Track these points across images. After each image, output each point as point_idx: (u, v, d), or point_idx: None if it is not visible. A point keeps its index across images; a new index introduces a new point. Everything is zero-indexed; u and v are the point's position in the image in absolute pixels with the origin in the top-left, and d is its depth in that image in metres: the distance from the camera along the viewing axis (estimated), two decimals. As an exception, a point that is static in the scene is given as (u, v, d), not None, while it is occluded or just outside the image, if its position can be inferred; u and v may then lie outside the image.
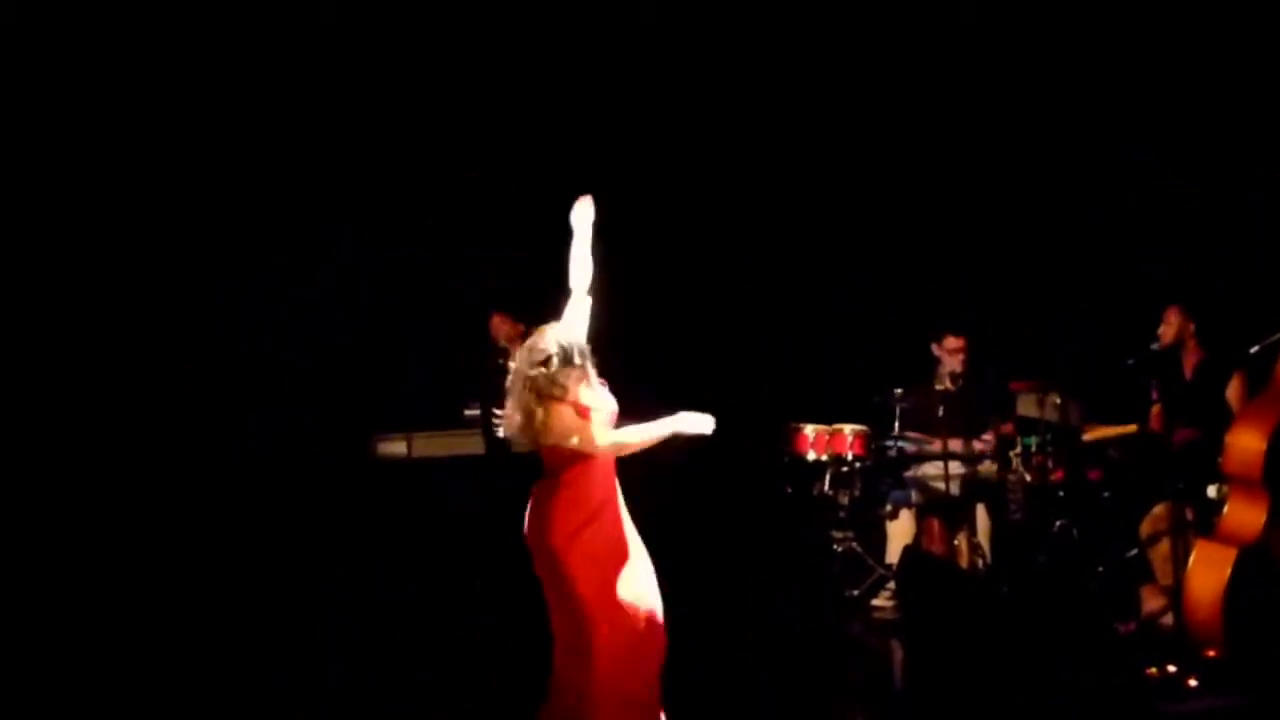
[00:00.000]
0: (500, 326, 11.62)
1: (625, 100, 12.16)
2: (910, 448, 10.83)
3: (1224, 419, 9.04)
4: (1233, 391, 9.45)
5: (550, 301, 6.93)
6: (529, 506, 6.62)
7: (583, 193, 6.99)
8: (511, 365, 6.69)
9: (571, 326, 6.75)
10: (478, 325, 11.88)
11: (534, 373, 6.50)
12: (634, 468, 6.75)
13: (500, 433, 6.74)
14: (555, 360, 6.50)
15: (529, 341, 6.64)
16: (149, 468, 11.40)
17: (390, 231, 12.21)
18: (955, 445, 10.52)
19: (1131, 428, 9.90)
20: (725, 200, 12.32)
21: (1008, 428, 10.66)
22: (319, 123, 11.92)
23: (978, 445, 10.66)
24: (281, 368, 11.90)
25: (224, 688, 8.69)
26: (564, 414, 6.51)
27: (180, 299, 11.74)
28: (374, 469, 11.86)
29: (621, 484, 6.69)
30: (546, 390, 6.48)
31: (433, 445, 11.86)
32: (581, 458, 6.55)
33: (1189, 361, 9.78)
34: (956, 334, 10.84)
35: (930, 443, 10.70)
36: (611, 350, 6.75)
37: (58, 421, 11.44)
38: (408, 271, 12.30)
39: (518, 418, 6.57)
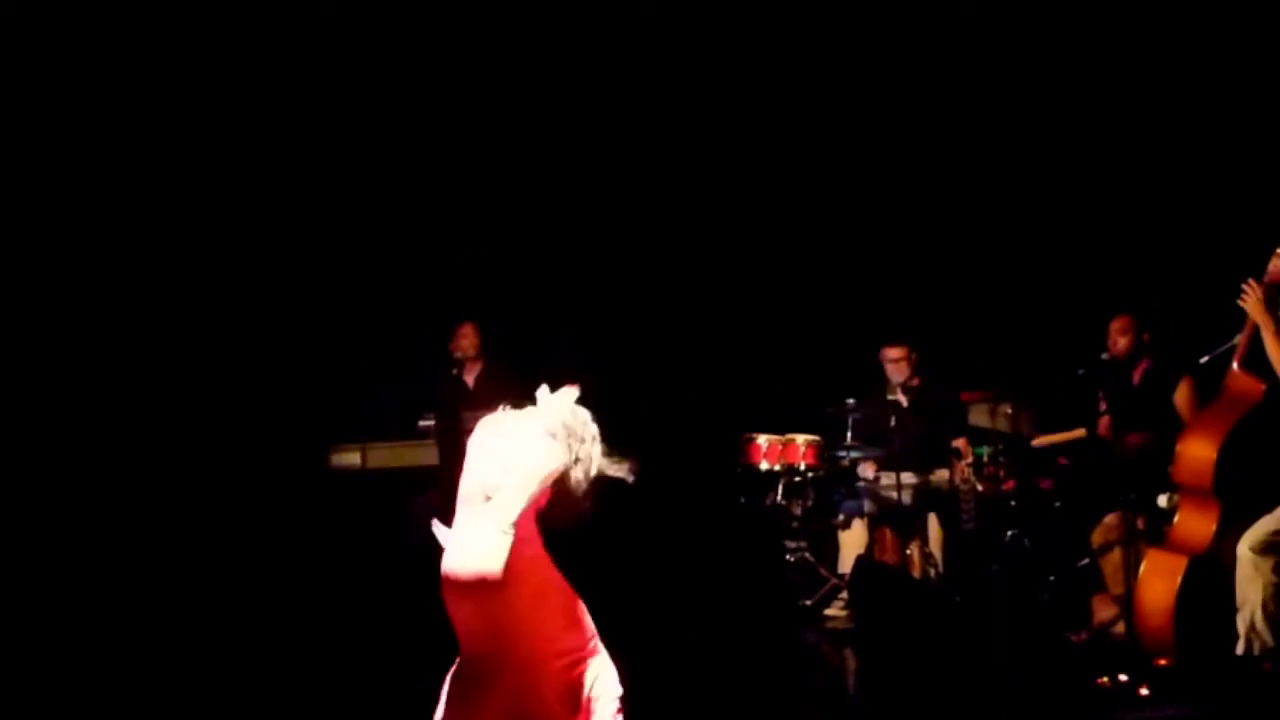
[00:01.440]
0: (468, 337, 11.54)
1: (568, 119, 12.06)
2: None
3: (1174, 427, 9.03)
4: (1181, 398, 9.41)
5: (514, 311, 6.78)
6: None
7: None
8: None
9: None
10: (433, 336, 11.80)
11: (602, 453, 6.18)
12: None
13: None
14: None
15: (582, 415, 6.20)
16: (94, 476, 11.22)
17: (346, 240, 12.08)
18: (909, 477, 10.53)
19: (1080, 432, 9.85)
20: (677, 211, 12.24)
21: (960, 442, 10.65)
22: (276, 130, 11.78)
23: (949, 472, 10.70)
24: (235, 377, 11.76)
25: (180, 700, 8.54)
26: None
27: (131, 305, 11.57)
28: (328, 480, 11.74)
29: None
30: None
31: (387, 456, 11.76)
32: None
33: (1138, 371, 9.74)
34: (894, 344, 10.83)
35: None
36: (566, 362, 6.62)
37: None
38: (363, 281, 12.17)
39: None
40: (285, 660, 9.30)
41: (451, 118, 12.04)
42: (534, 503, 5.95)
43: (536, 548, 6.07)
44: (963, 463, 10.57)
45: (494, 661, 6.04)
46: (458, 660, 6.23)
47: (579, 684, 6.18)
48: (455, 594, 5.97)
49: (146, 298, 11.55)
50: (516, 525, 5.84)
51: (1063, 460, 10.15)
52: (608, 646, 6.20)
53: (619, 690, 6.29)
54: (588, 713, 6.20)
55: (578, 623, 6.17)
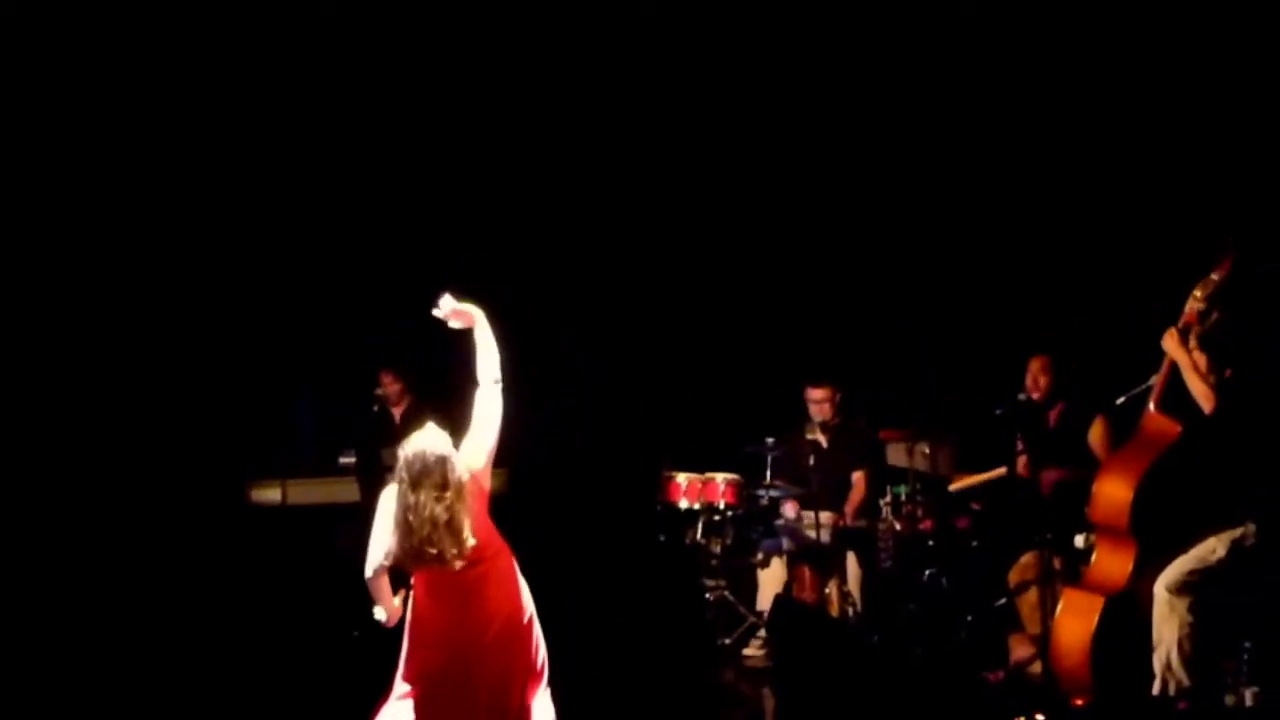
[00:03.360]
0: (389, 384, 11.48)
1: (482, 162, 11.98)
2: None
3: (1090, 467, 9.03)
4: (1095, 436, 9.45)
5: (436, 359, 6.65)
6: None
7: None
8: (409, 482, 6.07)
9: (483, 423, 6.33)
10: (355, 373, 11.68)
11: (460, 475, 6.07)
12: (509, 517, 6.51)
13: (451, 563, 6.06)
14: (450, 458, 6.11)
15: (421, 451, 6.07)
16: (12, 514, 11.02)
17: (268, 274, 11.91)
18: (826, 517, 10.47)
19: (1000, 471, 9.80)
20: (597, 251, 12.16)
21: (857, 476, 10.72)
22: (204, 165, 11.63)
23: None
24: (154, 413, 11.58)
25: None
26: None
27: (51, 342, 11.38)
28: (248, 515, 11.58)
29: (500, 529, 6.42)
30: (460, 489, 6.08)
31: (307, 492, 11.62)
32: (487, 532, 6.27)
33: (1054, 411, 9.70)
34: (817, 384, 10.78)
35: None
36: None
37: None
38: (286, 318, 12.01)
39: (463, 535, 6.04)
40: (206, 697, 9.16)
41: (374, 166, 11.92)
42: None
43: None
44: (856, 496, 10.65)
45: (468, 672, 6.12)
46: (393, 694, 6.20)
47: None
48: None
49: (65, 336, 11.35)
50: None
51: (976, 505, 10.08)
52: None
53: None
54: None
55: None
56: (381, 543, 6.08)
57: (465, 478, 6.04)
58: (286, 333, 12.08)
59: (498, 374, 6.39)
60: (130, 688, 9.31)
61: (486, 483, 6.23)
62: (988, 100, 10.95)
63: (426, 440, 6.06)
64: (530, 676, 6.28)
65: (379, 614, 6.35)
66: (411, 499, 5.95)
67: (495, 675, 6.19)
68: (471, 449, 6.21)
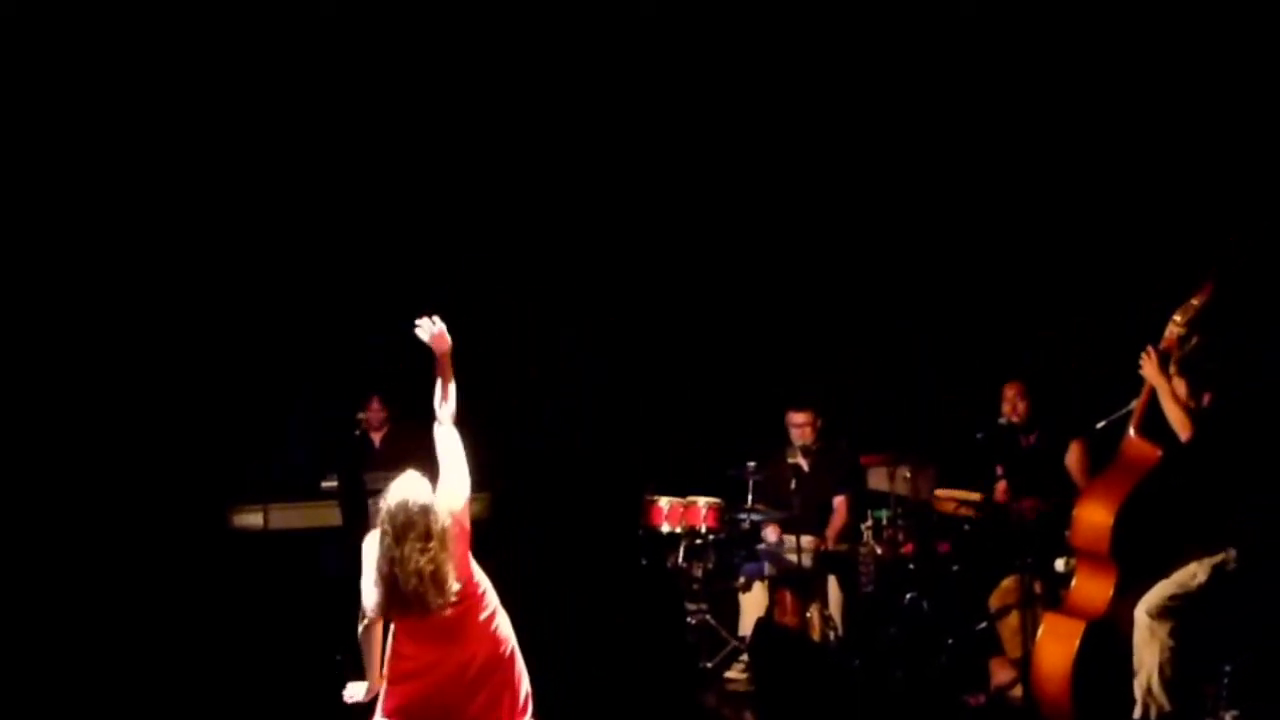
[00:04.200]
0: (375, 411, 11.45)
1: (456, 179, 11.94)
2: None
3: (1069, 492, 9.04)
4: (1072, 460, 9.46)
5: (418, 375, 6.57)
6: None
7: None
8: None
9: (452, 462, 6.27)
10: (338, 398, 11.63)
11: (443, 524, 6.00)
12: (491, 542, 6.46)
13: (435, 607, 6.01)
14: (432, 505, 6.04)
15: (403, 503, 6.00)
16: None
17: (248, 301, 11.84)
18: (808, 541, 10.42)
19: (976, 496, 9.75)
20: (575, 271, 12.12)
21: (839, 500, 10.70)
22: (177, 180, 11.55)
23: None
24: (137, 438, 11.49)
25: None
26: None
27: (28, 363, 11.28)
28: (230, 540, 11.50)
29: (478, 554, 6.34)
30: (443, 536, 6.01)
31: (289, 517, 11.55)
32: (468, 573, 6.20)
33: (1033, 436, 9.67)
34: (799, 409, 10.75)
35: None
36: (466, 423, 6.45)
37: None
38: (267, 341, 11.94)
39: (448, 585, 5.98)
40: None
41: (362, 186, 11.86)
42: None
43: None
44: (837, 521, 10.63)
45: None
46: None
47: None
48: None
49: (43, 356, 11.26)
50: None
51: (968, 516, 10.00)
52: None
53: None
54: None
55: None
56: (370, 594, 6.02)
57: (448, 523, 5.96)
58: (270, 355, 12.00)
59: (452, 415, 6.34)
60: (114, 713, 9.22)
61: (466, 521, 6.15)
62: (967, 131, 10.94)
63: (408, 490, 5.98)
64: (513, 710, 6.20)
65: (351, 692, 6.28)
66: (396, 552, 5.87)
67: (476, 709, 6.12)
68: (448, 490, 6.13)
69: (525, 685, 6.31)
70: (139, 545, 11.18)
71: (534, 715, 6.33)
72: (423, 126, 11.78)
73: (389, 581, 5.88)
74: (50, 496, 11.10)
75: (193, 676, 9.95)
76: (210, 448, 11.73)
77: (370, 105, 11.61)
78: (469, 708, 6.10)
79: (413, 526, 5.88)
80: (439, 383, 6.41)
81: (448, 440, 6.29)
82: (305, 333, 12.06)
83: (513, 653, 6.27)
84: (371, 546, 6.02)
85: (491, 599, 6.23)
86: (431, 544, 5.88)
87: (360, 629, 6.14)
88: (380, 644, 6.17)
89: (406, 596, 5.88)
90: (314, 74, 11.45)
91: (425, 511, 5.92)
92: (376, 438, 11.55)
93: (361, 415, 11.51)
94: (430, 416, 6.43)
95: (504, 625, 6.27)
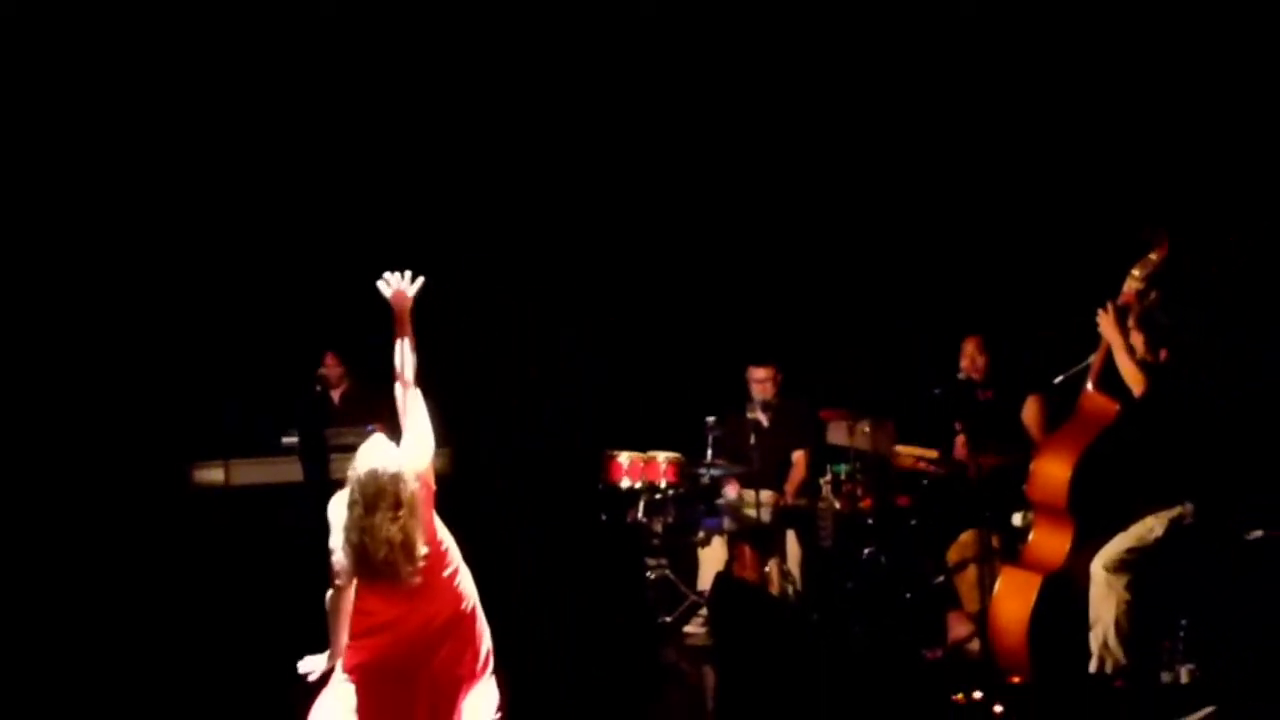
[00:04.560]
0: (331, 366, 11.38)
1: (433, 132, 11.84)
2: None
3: (1026, 446, 9.04)
4: (1029, 415, 9.47)
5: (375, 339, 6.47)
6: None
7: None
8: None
9: (417, 423, 6.16)
10: (297, 353, 11.55)
11: (412, 489, 5.89)
12: (451, 497, 6.40)
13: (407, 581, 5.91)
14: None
15: (373, 472, 5.84)
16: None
17: (210, 255, 11.74)
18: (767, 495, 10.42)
19: (933, 453, 9.74)
20: (540, 225, 12.04)
21: (798, 455, 10.71)
22: (140, 135, 11.43)
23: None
24: (95, 393, 11.40)
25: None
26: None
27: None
28: (190, 496, 11.42)
29: (440, 513, 6.28)
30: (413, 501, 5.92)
31: (250, 473, 11.47)
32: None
33: (990, 391, 9.66)
34: (761, 364, 10.75)
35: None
36: (429, 377, 6.38)
37: None
38: (227, 296, 11.85)
39: (417, 552, 5.88)
40: (147, 678, 9.04)
41: (324, 137, 11.76)
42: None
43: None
44: (796, 475, 10.64)
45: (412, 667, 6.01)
46: (335, 680, 6.09)
47: (455, 707, 6.13)
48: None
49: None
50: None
51: (929, 470, 9.98)
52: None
53: (495, 715, 6.22)
54: None
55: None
56: (340, 560, 5.94)
57: (416, 487, 5.90)
58: (230, 314, 11.91)
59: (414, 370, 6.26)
60: (73, 672, 9.17)
61: (431, 480, 6.08)
62: (931, 77, 10.90)
63: (377, 458, 5.89)
64: (474, 665, 6.17)
65: (309, 665, 6.22)
66: (367, 523, 5.80)
67: (437, 665, 6.08)
68: (413, 452, 6.04)
69: (486, 642, 6.26)
70: (99, 501, 11.10)
71: (494, 671, 6.29)
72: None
73: (359, 551, 5.82)
74: (8, 455, 11.01)
75: (156, 633, 9.87)
76: (170, 404, 11.64)
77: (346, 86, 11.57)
78: (430, 662, 6.06)
79: (384, 496, 5.81)
80: (399, 341, 6.32)
81: (411, 400, 6.22)
82: (268, 293, 11.98)
83: (474, 609, 6.23)
84: (338, 510, 5.95)
85: (455, 556, 6.18)
86: (402, 512, 5.81)
87: (329, 595, 6.07)
88: (349, 611, 6.11)
89: (377, 566, 5.82)
90: (309, 63, 11.38)
91: (396, 479, 5.84)
92: (336, 395, 11.49)
93: (321, 371, 11.46)
94: (388, 372, 6.35)
95: (466, 581, 6.22)
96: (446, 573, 6.10)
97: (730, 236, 11.84)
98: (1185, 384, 7.94)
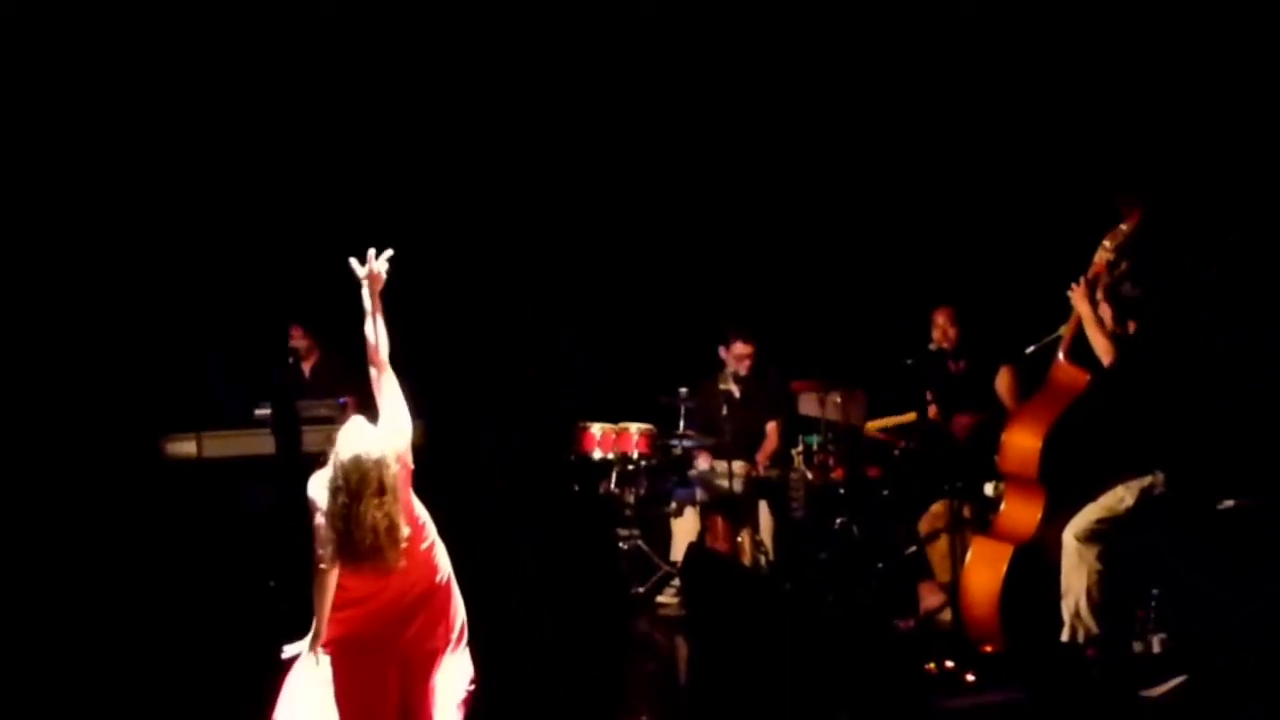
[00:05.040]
0: (298, 338, 11.31)
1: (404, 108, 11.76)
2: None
3: (997, 416, 8.96)
4: (1002, 385, 9.45)
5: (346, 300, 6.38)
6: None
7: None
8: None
9: (393, 404, 6.06)
10: (270, 325, 11.48)
11: (394, 471, 5.82)
12: (423, 469, 6.35)
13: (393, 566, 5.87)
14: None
15: (356, 458, 5.77)
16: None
17: (183, 229, 11.65)
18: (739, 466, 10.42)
19: (910, 416, 9.73)
20: (513, 199, 11.98)
21: (770, 426, 10.72)
22: (113, 117, 11.33)
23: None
24: (66, 366, 11.32)
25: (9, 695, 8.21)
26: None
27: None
28: (163, 469, 11.36)
29: (416, 487, 6.24)
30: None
31: (223, 445, 11.40)
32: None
33: (962, 362, 9.64)
34: (746, 340, 10.73)
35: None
36: (402, 352, 6.31)
37: None
38: (200, 269, 11.77)
39: (400, 536, 5.83)
40: (120, 651, 8.96)
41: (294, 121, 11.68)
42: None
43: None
44: (768, 446, 10.66)
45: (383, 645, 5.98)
46: (305, 655, 6.04)
47: (429, 680, 6.11)
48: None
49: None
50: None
51: (899, 445, 9.97)
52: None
53: (468, 687, 6.20)
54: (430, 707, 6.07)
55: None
56: (324, 544, 5.85)
57: (397, 469, 5.85)
58: (201, 287, 11.83)
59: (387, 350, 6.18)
60: (44, 645, 9.06)
61: (409, 459, 6.03)
62: (908, 56, 10.86)
63: (360, 443, 5.80)
64: (447, 637, 6.13)
65: (293, 649, 6.13)
66: (351, 510, 5.74)
67: (410, 637, 6.04)
68: (392, 433, 5.97)
69: (460, 614, 6.22)
70: (72, 475, 11.03)
71: (468, 644, 6.26)
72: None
73: (344, 538, 5.76)
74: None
75: (127, 606, 9.75)
76: (142, 376, 11.57)
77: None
78: (403, 633, 6.02)
79: (368, 482, 5.74)
80: (370, 319, 6.23)
81: (385, 381, 6.15)
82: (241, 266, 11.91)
83: (449, 581, 6.18)
84: (319, 491, 5.89)
85: (430, 530, 6.14)
86: (386, 498, 5.76)
87: (315, 577, 6.01)
88: (333, 590, 6.06)
89: (363, 552, 5.77)
90: (306, 63, 11.28)
91: (379, 465, 5.77)
92: (306, 367, 11.43)
93: (293, 344, 11.40)
94: (356, 344, 6.28)
95: (441, 555, 6.17)
96: (423, 546, 6.06)
97: (702, 208, 11.80)
98: (1154, 355, 7.92)
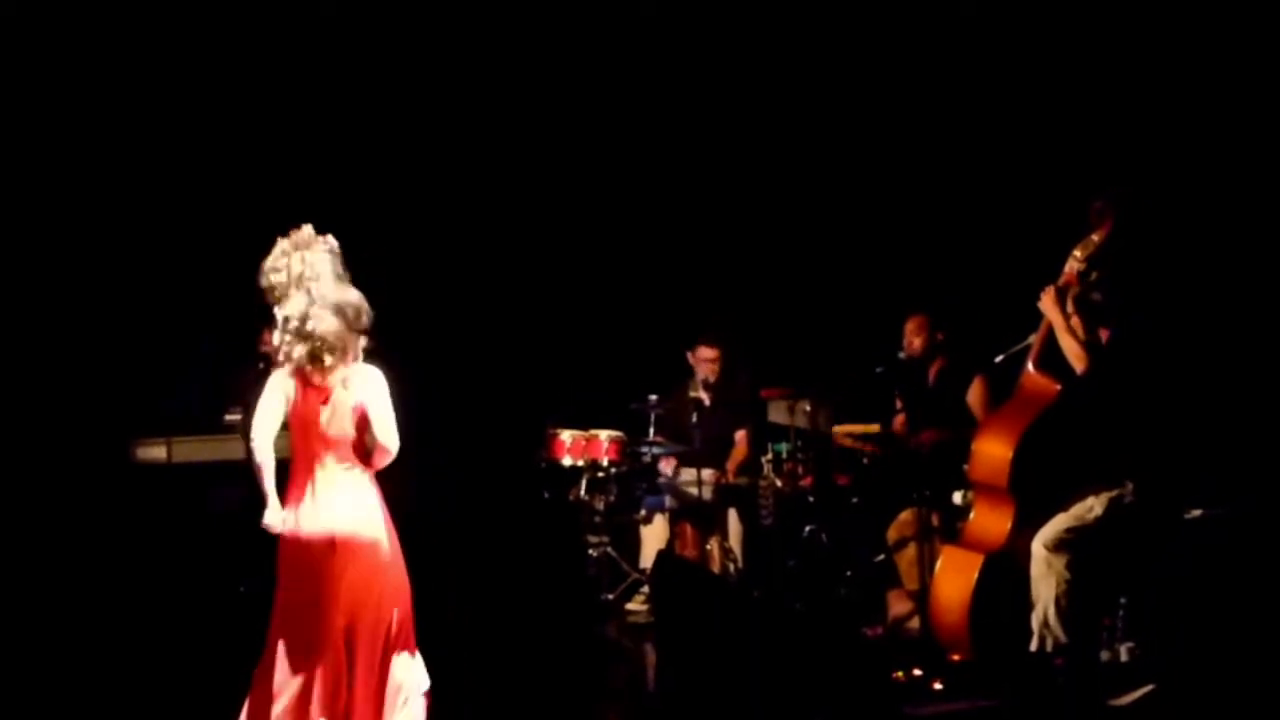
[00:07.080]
0: (269, 343, 11.18)
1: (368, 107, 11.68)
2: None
3: (968, 426, 8.93)
4: (974, 396, 9.34)
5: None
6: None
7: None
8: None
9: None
10: (240, 330, 11.36)
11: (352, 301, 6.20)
12: (392, 471, 6.30)
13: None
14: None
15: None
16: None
17: (155, 232, 11.53)
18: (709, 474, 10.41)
19: (874, 427, 9.65)
20: (481, 203, 11.92)
21: (740, 434, 10.73)
22: (81, 119, 11.21)
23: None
24: (36, 370, 11.20)
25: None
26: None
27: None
28: (132, 473, 11.24)
29: (382, 488, 6.32)
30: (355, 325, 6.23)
31: (193, 450, 11.28)
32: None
33: (933, 370, 9.56)
34: (710, 344, 10.71)
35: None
36: (372, 352, 6.29)
37: None
38: (168, 274, 11.65)
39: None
40: (90, 654, 9.00)
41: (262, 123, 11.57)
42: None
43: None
44: (738, 454, 10.67)
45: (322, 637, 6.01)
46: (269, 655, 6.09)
47: (386, 675, 6.10)
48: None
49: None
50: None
51: (868, 451, 9.89)
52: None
53: (425, 685, 6.23)
54: (391, 707, 6.03)
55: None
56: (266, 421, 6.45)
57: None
58: (170, 291, 11.72)
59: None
60: (14, 648, 9.02)
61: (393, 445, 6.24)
62: (881, 61, 10.87)
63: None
64: (387, 612, 6.08)
65: (271, 516, 6.23)
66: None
67: (347, 585, 6.06)
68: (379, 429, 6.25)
69: (404, 602, 6.19)
70: (41, 478, 10.92)
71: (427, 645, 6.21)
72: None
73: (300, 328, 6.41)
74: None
75: (97, 610, 9.79)
76: (112, 380, 11.46)
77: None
78: (341, 578, 6.06)
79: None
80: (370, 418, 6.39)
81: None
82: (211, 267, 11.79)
83: (395, 554, 6.21)
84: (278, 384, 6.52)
85: (377, 498, 6.26)
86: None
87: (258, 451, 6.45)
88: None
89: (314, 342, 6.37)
90: (306, 58, 11.29)
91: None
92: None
93: (264, 349, 11.29)
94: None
95: (385, 525, 6.22)
96: (358, 490, 6.12)
97: (672, 215, 11.77)
98: (1125, 363, 7.85)
